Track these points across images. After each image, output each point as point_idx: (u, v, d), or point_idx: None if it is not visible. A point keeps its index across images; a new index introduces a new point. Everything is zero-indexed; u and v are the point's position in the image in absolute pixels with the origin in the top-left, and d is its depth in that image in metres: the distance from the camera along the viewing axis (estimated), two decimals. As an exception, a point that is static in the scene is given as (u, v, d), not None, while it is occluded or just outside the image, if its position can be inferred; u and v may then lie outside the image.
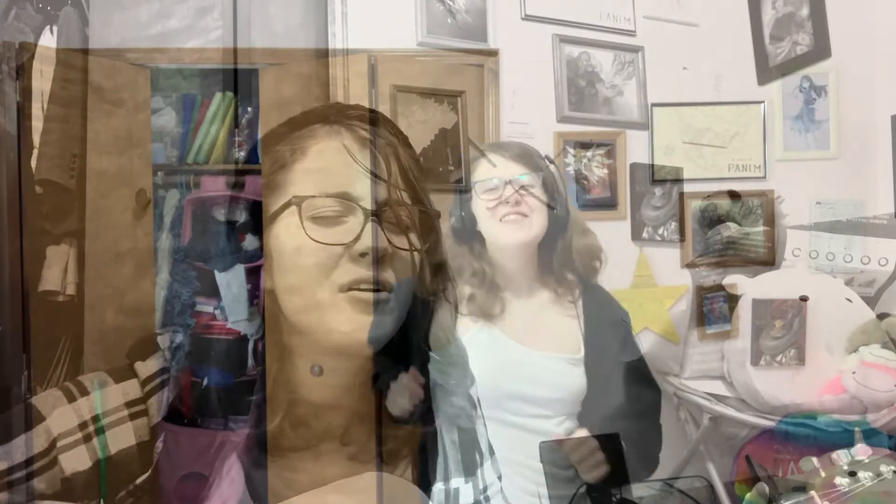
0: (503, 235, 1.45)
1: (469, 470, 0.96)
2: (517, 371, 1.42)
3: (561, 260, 1.48)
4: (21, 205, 1.74)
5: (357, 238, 0.79)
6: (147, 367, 0.96)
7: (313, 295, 0.80)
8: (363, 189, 0.82)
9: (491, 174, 1.47)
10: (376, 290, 0.80)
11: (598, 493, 1.27)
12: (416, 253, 0.84)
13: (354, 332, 0.80)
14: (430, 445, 0.93)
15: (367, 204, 0.81)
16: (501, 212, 1.43)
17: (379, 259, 0.80)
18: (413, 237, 0.83)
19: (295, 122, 0.87)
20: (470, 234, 1.47)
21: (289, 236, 0.81)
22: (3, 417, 0.87)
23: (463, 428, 0.97)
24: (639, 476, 1.42)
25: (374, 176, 0.82)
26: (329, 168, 0.83)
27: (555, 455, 1.40)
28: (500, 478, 1.01)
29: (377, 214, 0.81)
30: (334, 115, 0.86)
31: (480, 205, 1.46)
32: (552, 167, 1.51)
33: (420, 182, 0.86)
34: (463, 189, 1.95)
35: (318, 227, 0.80)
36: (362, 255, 0.79)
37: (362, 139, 0.83)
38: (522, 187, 1.44)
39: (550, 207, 1.46)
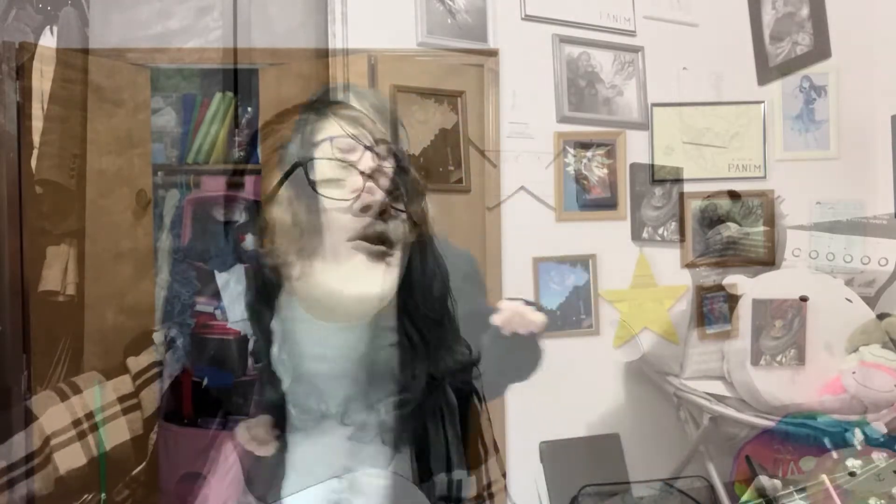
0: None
1: (472, 463, 0.98)
2: (306, 347, 1.15)
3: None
4: (21, 205, 1.74)
5: (357, 197, 0.97)
6: (139, 362, 1.02)
7: (320, 251, 0.96)
8: (357, 156, 0.98)
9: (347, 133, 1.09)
10: (380, 243, 0.98)
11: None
12: (403, 214, 0.99)
13: (362, 284, 0.96)
14: (434, 436, 0.95)
15: (362, 166, 0.98)
16: (350, 184, 1.07)
17: (379, 214, 0.97)
18: (399, 198, 0.99)
19: (288, 113, 1.03)
20: (302, 184, 1.10)
21: (294, 198, 0.98)
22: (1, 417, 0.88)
23: (466, 421, 0.99)
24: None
25: (367, 148, 0.98)
26: (326, 139, 1.00)
27: (556, 454, 1.40)
28: (504, 475, 1.01)
29: (371, 175, 0.98)
30: (322, 106, 1.04)
31: (324, 165, 1.09)
32: (402, 132, 1.15)
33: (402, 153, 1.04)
34: (464, 189, 1.95)
35: (322, 187, 0.97)
36: (363, 210, 0.97)
37: (349, 118, 1.01)
38: (385, 152, 1.09)
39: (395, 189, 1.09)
